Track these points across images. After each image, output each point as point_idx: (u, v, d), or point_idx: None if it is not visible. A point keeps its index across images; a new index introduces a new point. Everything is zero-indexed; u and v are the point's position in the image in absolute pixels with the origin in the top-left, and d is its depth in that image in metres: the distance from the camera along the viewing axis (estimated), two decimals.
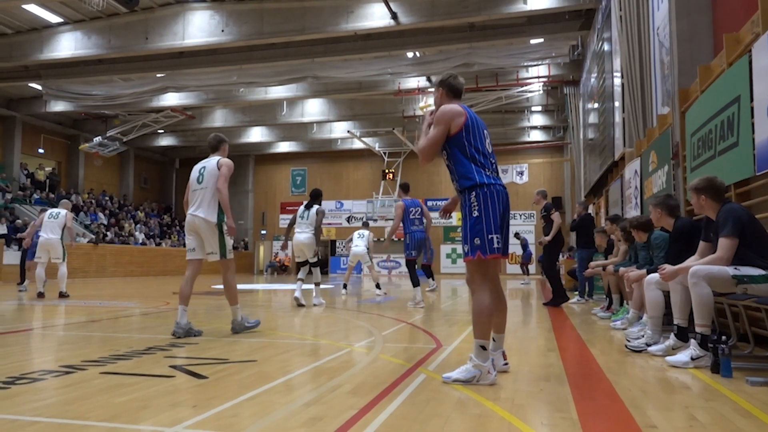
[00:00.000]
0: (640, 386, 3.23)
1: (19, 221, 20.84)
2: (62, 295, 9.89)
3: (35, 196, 23.75)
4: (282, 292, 13.76)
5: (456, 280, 22.36)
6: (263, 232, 33.57)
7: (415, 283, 8.67)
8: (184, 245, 25.80)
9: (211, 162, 5.40)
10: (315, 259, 8.61)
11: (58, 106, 22.80)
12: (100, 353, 4.17)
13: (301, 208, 8.71)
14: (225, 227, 5.28)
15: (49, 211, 10.28)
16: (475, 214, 3.31)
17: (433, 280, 13.09)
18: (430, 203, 31.53)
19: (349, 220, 32.45)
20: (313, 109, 24.95)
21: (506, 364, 3.57)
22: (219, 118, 26.08)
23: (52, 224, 9.93)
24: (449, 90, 3.62)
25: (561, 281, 9.20)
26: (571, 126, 21.16)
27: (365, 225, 13.75)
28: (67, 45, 17.06)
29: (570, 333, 5.84)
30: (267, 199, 33.80)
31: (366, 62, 18.27)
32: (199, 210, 5.23)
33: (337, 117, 25.34)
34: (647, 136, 8.83)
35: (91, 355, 4.07)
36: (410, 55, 18.53)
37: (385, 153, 29.86)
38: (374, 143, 29.32)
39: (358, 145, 29.17)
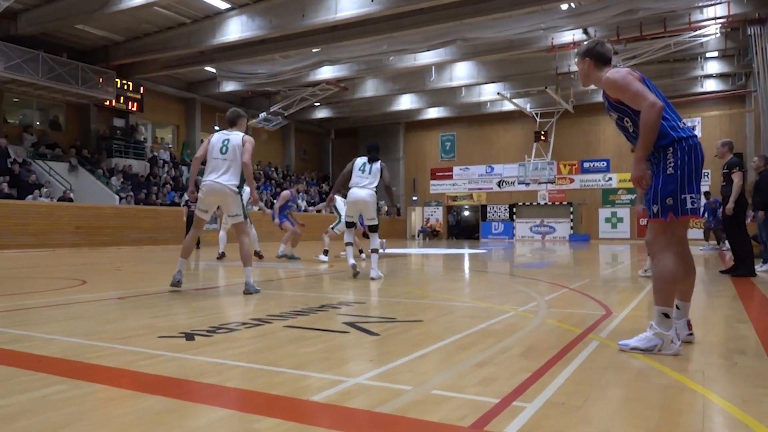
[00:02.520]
0: None
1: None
2: (257, 254, 11.24)
3: None
4: (434, 257, 13.98)
5: (616, 246, 21.03)
6: (414, 198, 34.21)
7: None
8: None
9: (235, 136, 5.67)
10: (376, 221, 7.38)
11: (229, 86, 24.95)
12: (281, 309, 4.57)
13: (361, 160, 7.44)
14: (245, 194, 5.54)
15: None
16: (669, 171, 3.01)
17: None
18: (586, 164, 29.86)
19: (500, 184, 31.82)
20: (462, 72, 24.57)
21: (691, 334, 3.28)
22: (370, 88, 26.78)
23: None
24: (598, 59, 3.28)
25: (750, 249, 7.84)
26: (756, 71, 18.50)
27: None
28: (235, 29, 18.50)
29: (762, 303, 5.22)
30: (417, 166, 34.28)
31: (516, 19, 17.49)
32: (224, 178, 5.58)
33: (487, 79, 24.72)
34: None
35: (273, 311, 4.48)
36: (564, 7, 17.36)
37: (537, 114, 28.62)
38: (525, 104, 28.20)
39: (508, 106, 28.27)
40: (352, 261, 7.43)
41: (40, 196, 16.98)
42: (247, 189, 11.04)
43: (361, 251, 11.19)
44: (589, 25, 18.21)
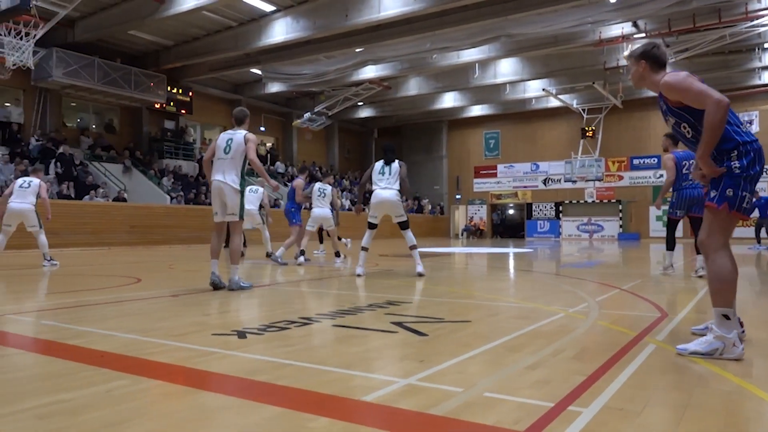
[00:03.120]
0: None
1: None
2: (268, 255, 11.19)
3: None
4: (478, 256, 13.85)
5: None
6: (458, 196, 33.99)
7: (670, 246, 7.65)
8: None
9: (238, 135, 5.87)
10: (404, 218, 7.47)
11: (275, 87, 25.35)
12: (329, 308, 4.61)
13: (379, 164, 7.60)
14: (247, 191, 5.65)
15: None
16: (735, 171, 2.95)
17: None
18: (636, 161, 29.02)
19: (545, 182, 31.27)
20: (506, 69, 24.25)
21: (743, 332, 3.22)
22: (413, 87, 26.73)
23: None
24: (654, 62, 3.20)
25: None
26: None
27: (324, 175, 11.23)
28: (280, 30, 18.76)
29: None
30: (461, 164, 34.02)
31: (562, 13, 17.12)
32: (224, 176, 5.79)
33: (532, 75, 24.31)
34: None
35: (321, 310, 4.52)
36: None
37: (583, 110, 27.99)
38: (571, 100, 27.62)
39: (554, 103, 27.75)
40: (361, 269, 7.43)
41: (96, 197, 17.67)
42: (251, 190, 11.13)
43: (302, 252, 10.05)
44: (639, 17, 17.69)
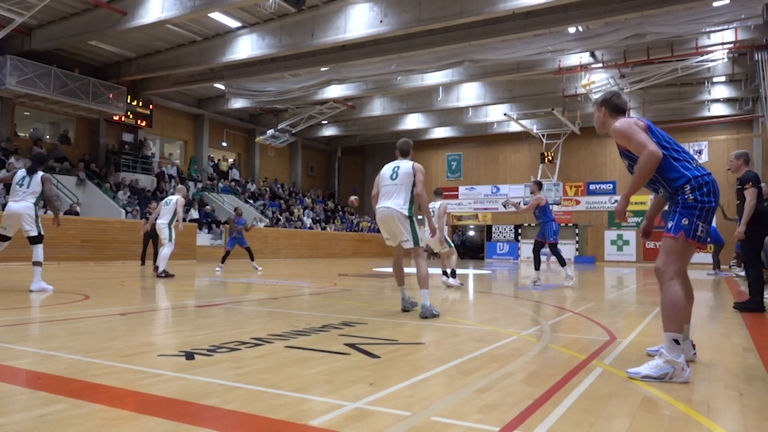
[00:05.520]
0: None
1: (208, 207, 23.44)
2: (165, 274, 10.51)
3: (220, 184, 26.59)
4: (438, 277, 13.90)
5: (622, 269, 20.90)
6: (419, 216, 34.10)
7: (562, 263, 10.53)
8: (347, 230, 27.22)
9: (406, 164, 5.82)
10: (34, 233, 7.50)
11: (238, 103, 25.16)
12: (283, 328, 4.55)
13: (20, 173, 7.60)
14: (416, 220, 5.77)
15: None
16: (690, 201, 3.15)
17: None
18: (592, 186, 29.82)
19: (505, 204, 31.75)
20: (469, 93, 24.72)
21: (695, 354, 3.47)
22: (377, 107, 26.94)
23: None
24: (613, 110, 3.50)
25: (761, 279, 6.63)
26: (763, 97, 18.51)
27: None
28: (245, 47, 18.70)
29: None
30: (424, 185, 34.22)
31: (525, 41, 17.60)
32: (391, 202, 5.69)
33: (494, 100, 24.84)
34: None
35: (275, 330, 4.46)
36: (572, 30, 17.50)
37: (543, 135, 28.71)
38: (532, 125, 28.31)
39: (515, 127, 28.37)
40: None
41: (47, 210, 17.06)
42: (166, 203, 10.40)
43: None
44: (596, 48, 18.32)
